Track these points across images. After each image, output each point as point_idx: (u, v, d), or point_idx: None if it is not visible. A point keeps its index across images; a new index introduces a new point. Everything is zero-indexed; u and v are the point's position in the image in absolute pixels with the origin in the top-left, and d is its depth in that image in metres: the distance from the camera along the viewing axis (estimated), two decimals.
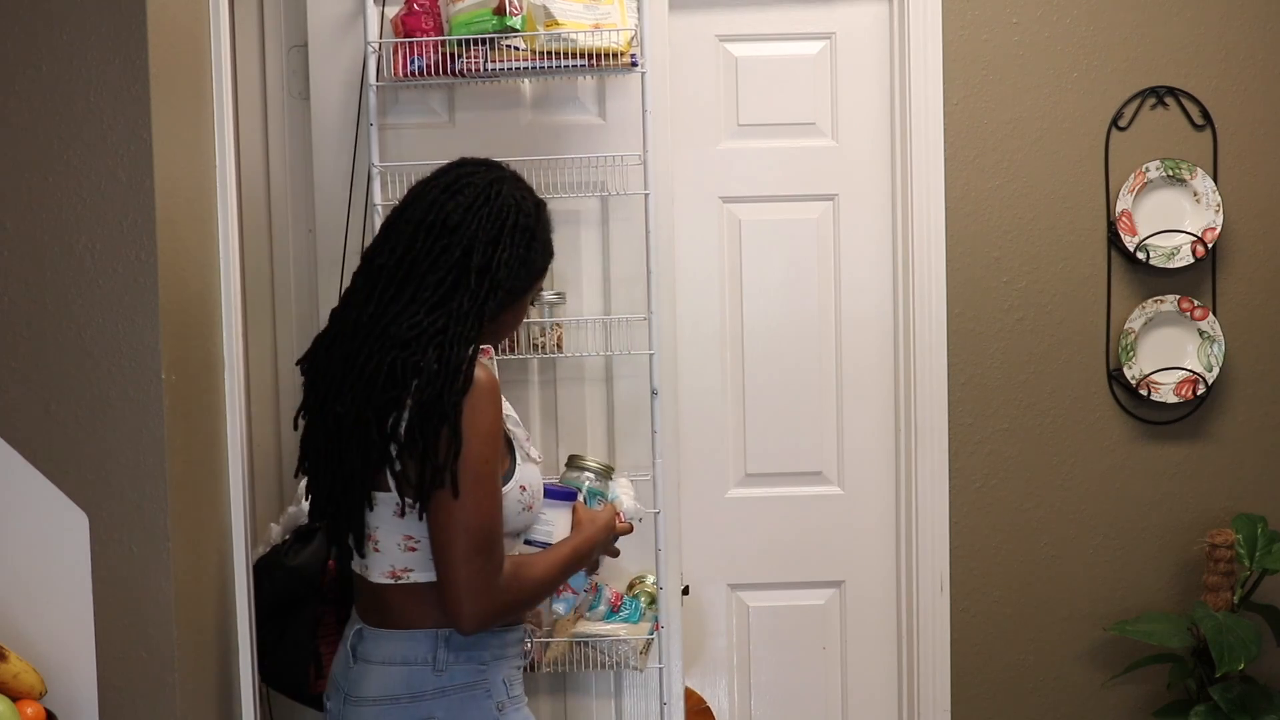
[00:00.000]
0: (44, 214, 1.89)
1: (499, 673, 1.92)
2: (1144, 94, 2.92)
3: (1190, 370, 2.92)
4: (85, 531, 1.90)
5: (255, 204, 2.77)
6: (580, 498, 2.14)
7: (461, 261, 1.85)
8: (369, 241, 2.59)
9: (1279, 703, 2.77)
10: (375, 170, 2.56)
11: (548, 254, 1.99)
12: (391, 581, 1.91)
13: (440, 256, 1.85)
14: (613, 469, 2.23)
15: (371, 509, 1.88)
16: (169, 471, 1.92)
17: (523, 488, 1.91)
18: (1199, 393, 2.92)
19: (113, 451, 1.90)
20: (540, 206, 1.98)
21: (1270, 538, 2.82)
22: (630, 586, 2.65)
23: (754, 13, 2.97)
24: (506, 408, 1.95)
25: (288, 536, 2.46)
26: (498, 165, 1.99)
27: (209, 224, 2.16)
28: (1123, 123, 2.92)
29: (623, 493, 2.26)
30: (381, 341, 1.83)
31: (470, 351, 1.82)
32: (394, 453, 1.82)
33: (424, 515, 1.83)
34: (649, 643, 2.54)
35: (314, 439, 1.94)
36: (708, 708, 2.91)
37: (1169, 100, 2.92)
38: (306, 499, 2.55)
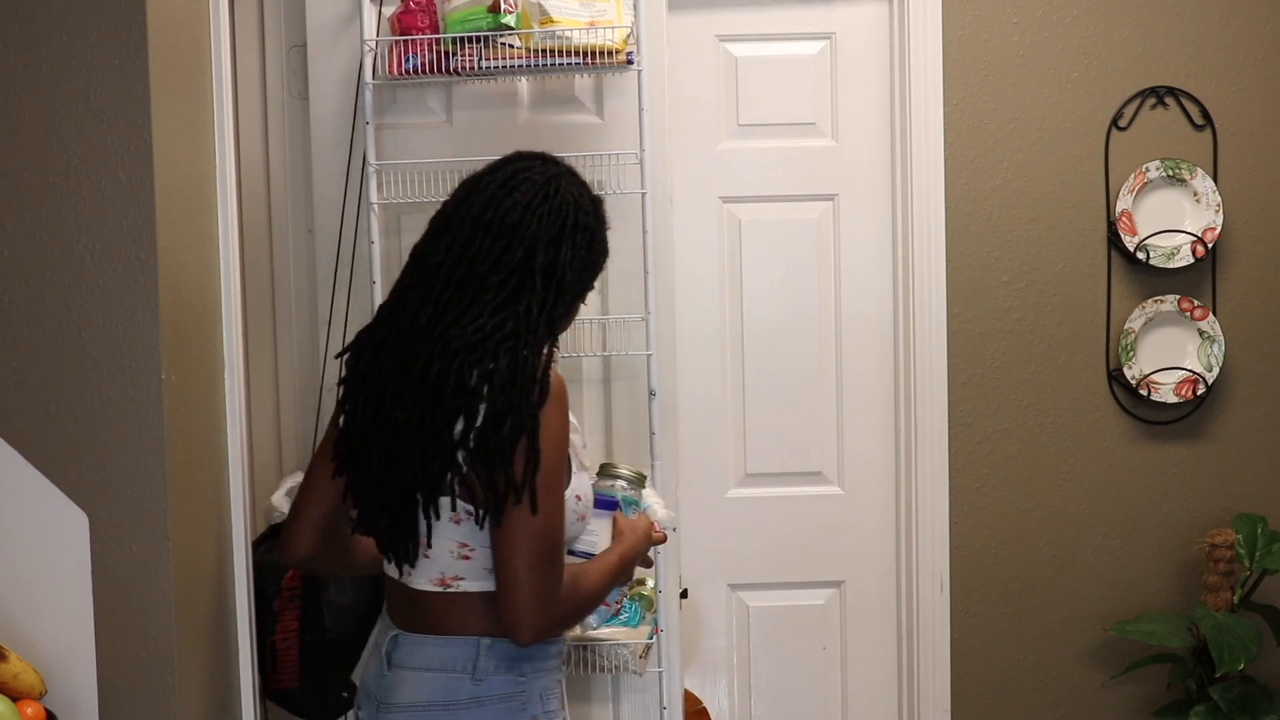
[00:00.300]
0: (44, 214, 1.89)
1: (537, 685, 1.85)
2: (1144, 94, 2.92)
3: (1190, 370, 2.92)
4: (85, 531, 1.90)
5: (255, 204, 2.76)
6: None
7: (524, 263, 1.77)
8: (365, 241, 2.62)
9: (1279, 703, 2.77)
10: (371, 169, 2.56)
11: (605, 252, 1.92)
12: (439, 589, 1.83)
13: (501, 257, 1.77)
14: (645, 476, 2.17)
15: (438, 517, 1.80)
16: (169, 471, 1.92)
17: (578, 497, 1.86)
18: (1199, 393, 2.92)
19: (113, 451, 1.90)
20: (598, 203, 1.91)
21: (1270, 538, 2.82)
22: (629, 589, 2.64)
23: (754, 13, 2.97)
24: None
25: (263, 529, 2.48)
26: (554, 160, 1.91)
27: (209, 224, 2.16)
28: (1123, 123, 2.92)
29: (654, 501, 2.20)
30: (442, 346, 1.74)
31: (544, 359, 1.76)
32: (461, 459, 1.74)
33: (484, 524, 1.76)
34: (648, 646, 2.54)
35: (361, 444, 1.83)
36: (703, 709, 2.91)
37: (1169, 100, 2.92)
38: (286, 497, 2.56)
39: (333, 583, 2.55)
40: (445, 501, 1.78)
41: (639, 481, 2.13)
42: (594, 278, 1.91)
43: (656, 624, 2.49)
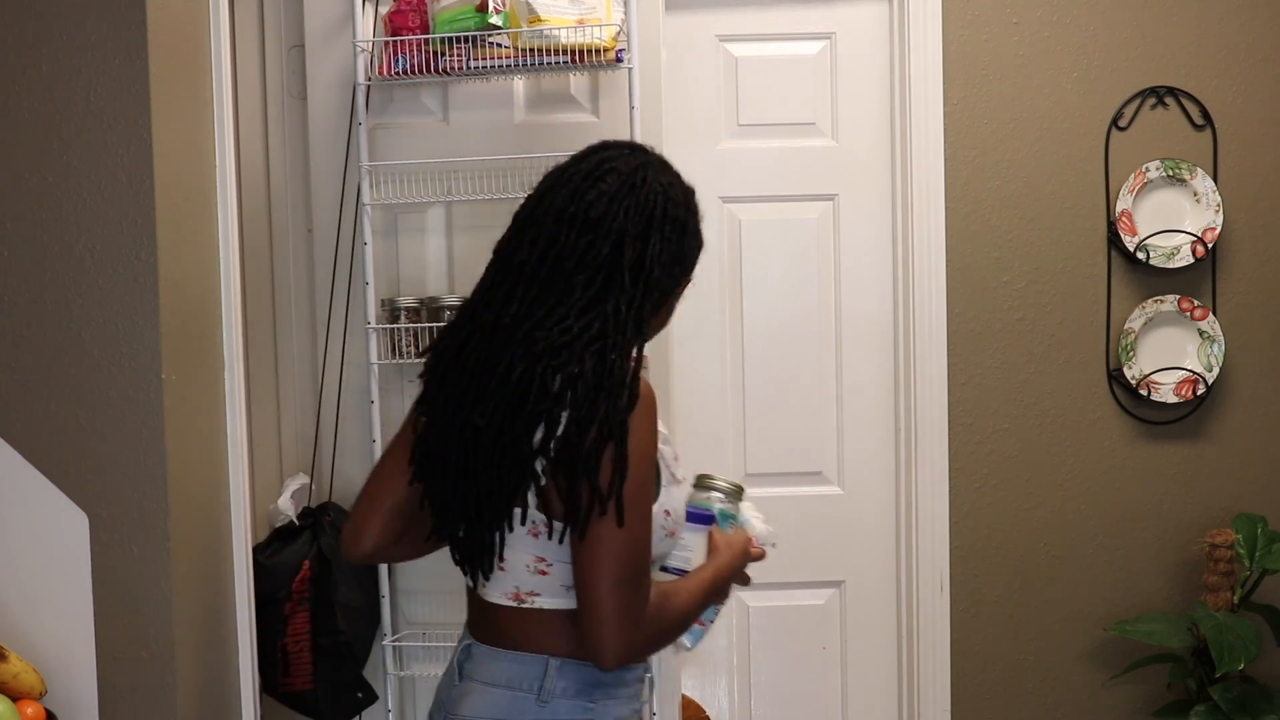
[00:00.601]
0: (44, 214, 1.89)
1: (609, 713, 1.74)
2: (1144, 94, 2.92)
3: (1190, 370, 2.92)
4: (85, 531, 1.90)
5: (255, 204, 2.77)
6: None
7: (611, 259, 1.66)
8: (361, 241, 2.62)
9: (1279, 703, 2.77)
10: (364, 170, 2.56)
11: (699, 245, 1.80)
12: (513, 604, 1.73)
13: (587, 253, 1.66)
14: (743, 489, 2.02)
15: (511, 529, 1.69)
16: (169, 471, 1.92)
17: (667, 512, 1.74)
18: (1199, 393, 2.92)
19: (113, 451, 1.91)
20: (689, 193, 1.79)
21: (1270, 538, 2.82)
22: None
23: (754, 13, 2.97)
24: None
25: (269, 533, 2.48)
26: (642, 149, 1.79)
27: (209, 224, 2.16)
28: (1123, 123, 2.92)
29: (752, 515, 2.03)
30: (526, 348, 1.63)
31: (634, 362, 1.65)
32: (540, 468, 1.64)
33: (565, 539, 1.65)
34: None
35: (439, 448, 1.72)
36: (707, 717, 2.91)
37: (1169, 100, 2.92)
38: (291, 500, 2.57)
39: (343, 584, 2.55)
40: (520, 513, 1.68)
41: (737, 494, 1.96)
42: (687, 273, 1.79)
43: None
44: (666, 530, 1.74)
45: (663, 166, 1.78)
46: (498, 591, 1.74)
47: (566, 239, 1.67)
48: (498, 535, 1.69)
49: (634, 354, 1.65)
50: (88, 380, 1.90)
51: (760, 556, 1.92)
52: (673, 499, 1.76)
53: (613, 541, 1.61)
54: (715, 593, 1.82)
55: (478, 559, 1.72)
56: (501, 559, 1.70)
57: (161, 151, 1.92)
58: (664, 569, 1.82)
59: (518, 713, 1.71)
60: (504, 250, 1.73)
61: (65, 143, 1.89)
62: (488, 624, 1.77)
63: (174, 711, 1.93)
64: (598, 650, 1.63)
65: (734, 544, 1.87)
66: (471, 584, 1.78)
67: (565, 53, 2.42)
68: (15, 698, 1.80)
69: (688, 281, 1.81)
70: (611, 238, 1.67)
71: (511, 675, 1.72)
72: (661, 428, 1.74)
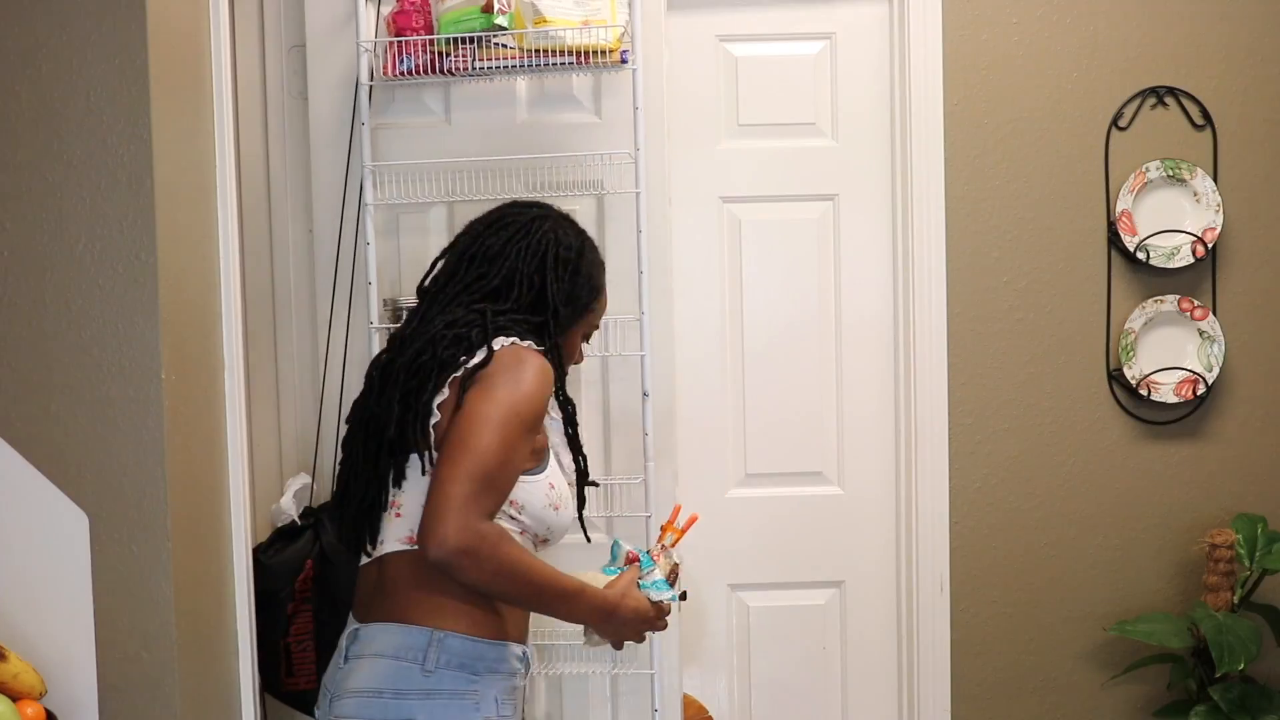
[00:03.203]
0: (44, 214, 1.89)
1: (491, 687, 1.86)
2: (1144, 94, 2.92)
3: (1190, 370, 2.92)
4: (85, 531, 1.90)
5: (255, 204, 2.77)
6: (650, 576, 2.03)
7: (500, 289, 1.96)
8: (362, 239, 2.62)
9: (1279, 703, 2.77)
10: (367, 170, 2.56)
11: (594, 289, 2.05)
12: (408, 547, 1.87)
13: (475, 282, 1.97)
14: (677, 566, 2.10)
15: (404, 478, 1.88)
16: (169, 471, 1.92)
17: (552, 485, 1.94)
18: (1199, 393, 2.92)
19: (113, 451, 1.91)
20: (584, 244, 2.05)
21: (1270, 538, 2.82)
22: None
23: (754, 13, 2.97)
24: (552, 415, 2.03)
25: (271, 533, 2.49)
26: (545, 206, 2.06)
27: (209, 224, 2.16)
28: (1123, 123, 2.92)
29: (662, 589, 2.06)
30: (415, 343, 1.92)
31: (507, 344, 1.89)
32: (435, 407, 1.85)
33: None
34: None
35: (350, 443, 1.98)
36: (709, 717, 2.90)
37: (1169, 100, 2.92)
38: (294, 499, 2.57)
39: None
40: (416, 457, 1.86)
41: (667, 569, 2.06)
42: (580, 313, 2.04)
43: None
44: (550, 503, 1.93)
45: (563, 221, 2.05)
46: (394, 539, 1.89)
47: (465, 271, 1.98)
48: (390, 491, 1.88)
49: (508, 341, 1.87)
50: (88, 380, 1.90)
51: (662, 628, 2.05)
52: (559, 479, 1.97)
53: (472, 439, 1.77)
54: (568, 605, 1.91)
55: (375, 517, 1.90)
56: (399, 504, 1.88)
57: (161, 151, 1.92)
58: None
59: (403, 681, 1.82)
60: (419, 285, 2.05)
61: (65, 143, 1.89)
62: (379, 597, 1.90)
63: (174, 711, 1.93)
64: (426, 534, 1.75)
65: (628, 596, 1.98)
66: (368, 553, 1.93)
67: (570, 54, 2.42)
68: (15, 698, 1.80)
69: (589, 319, 2.07)
70: (503, 272, 1.96)
71: (396, 646, 1.84)
72: (552, 415, 2.02)
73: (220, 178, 2.17)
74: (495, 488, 1.80)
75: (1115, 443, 2.96)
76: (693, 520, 2.19)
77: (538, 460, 1.93)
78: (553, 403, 2.03)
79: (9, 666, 1.80)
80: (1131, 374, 2.91)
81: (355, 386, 2.70)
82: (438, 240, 2.75)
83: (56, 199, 1.89)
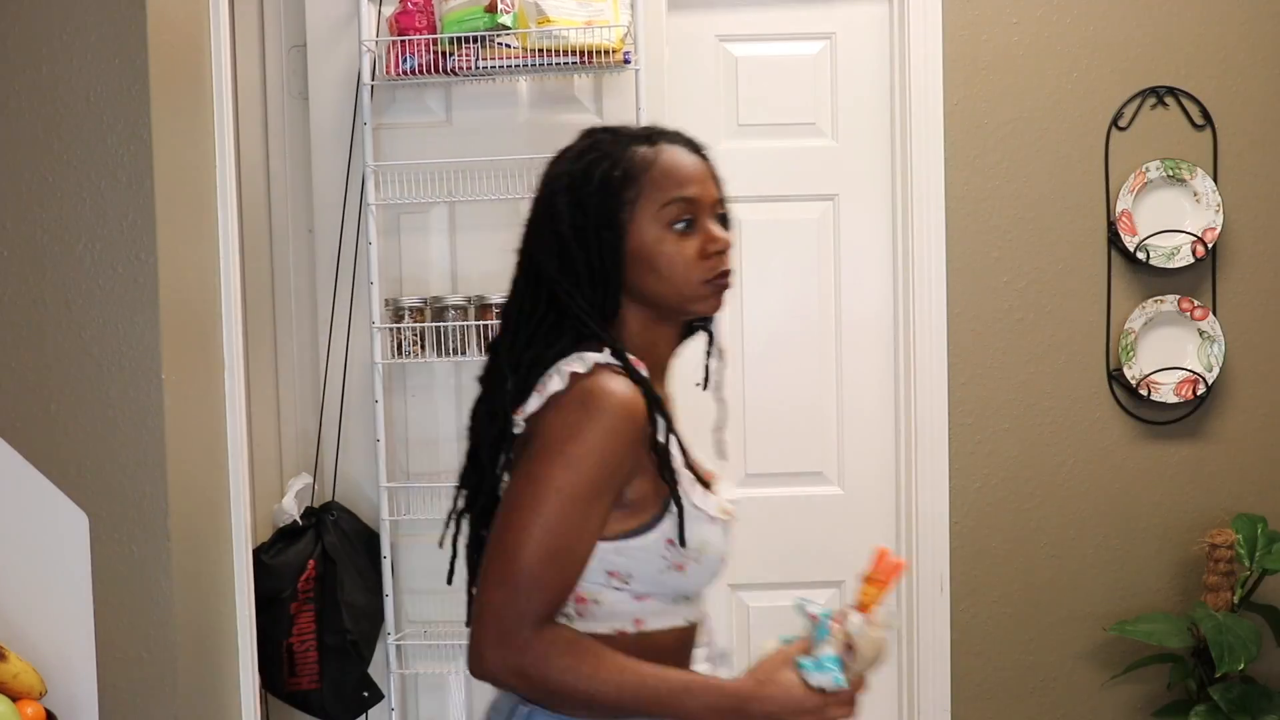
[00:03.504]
0: (44, 214, 1.89)
1: None
2: (1144, 94, 2.92)
3: (1190, 370, 2.92)
4: (85, 531, 1.90)
5: (255, 204, 2.77)
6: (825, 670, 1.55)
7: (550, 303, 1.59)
8: (365, 240, 2.62)
9: (1279, 703, 2.77)
10: (369, 170, 2.56)
11: (608, 218, 1.63)
12: None
13: (532, 302, 1.61)
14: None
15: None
16: (169, 471, 1.92)
17: (670, 541, 1.51)
18: (1199, 393, 2.92)
19: (113, 451, 1.91)
20: (577, 168, 1.69)
21: (1270, 538, 2.82)
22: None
23: (754, 13, 2.97)
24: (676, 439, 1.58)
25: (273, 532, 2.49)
26: (554, 157, 1.75)
27: (209, 224, 2.16)
28: (1123, 123, 2.92)
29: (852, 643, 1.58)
30: (512, 368, 1.56)
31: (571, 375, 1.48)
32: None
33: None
34: None
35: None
36: None
37: (1169, 100, 2.92)
38: (295, 500, 2.57)
39: (349, 583, 2.56)
40: None
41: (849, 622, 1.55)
42: (618, 264, 1.62)
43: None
44: (672, 563, 1.52)
45: (554, 163, 1.71)
46: None
47: (524, 292, 1.62)
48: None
49: (579, 369, 1.48)
50: (88, 380, 1.90)
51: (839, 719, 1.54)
52: (690, 530, 1.54)
53: (503, 539, 1.42)
54: (678, 706, 1.43)
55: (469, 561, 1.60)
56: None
57: (161, 151, 1.92)
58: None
59: None
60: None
61: (65, 143, 1.89)
62: None
63: (174, 712, 1.93)
64: (468, 651, 1.42)
65: (786, 692, 1.51)
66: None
67: (573, 53, 2.43)
68: (15, 698, 1.80)
69: (644, 237, 1.65)
70: (544, 287, 1.60)
71: (493, 713, 1.56)
72: (683, 449, 1.60)
73: (220, 178, 2.17)
74: (545, 585, 1.41)
75: (1115, 443, 2.96)
76: (898, 569, 1.60)
77: (642, 516, 1.50)
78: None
79: (9, 666, 1.80)
80: (1131, 374, 2.91)
81: (355, 386, 2.72)
82: (439, 240, 2.75)
83: (56, 199, 1.89)
